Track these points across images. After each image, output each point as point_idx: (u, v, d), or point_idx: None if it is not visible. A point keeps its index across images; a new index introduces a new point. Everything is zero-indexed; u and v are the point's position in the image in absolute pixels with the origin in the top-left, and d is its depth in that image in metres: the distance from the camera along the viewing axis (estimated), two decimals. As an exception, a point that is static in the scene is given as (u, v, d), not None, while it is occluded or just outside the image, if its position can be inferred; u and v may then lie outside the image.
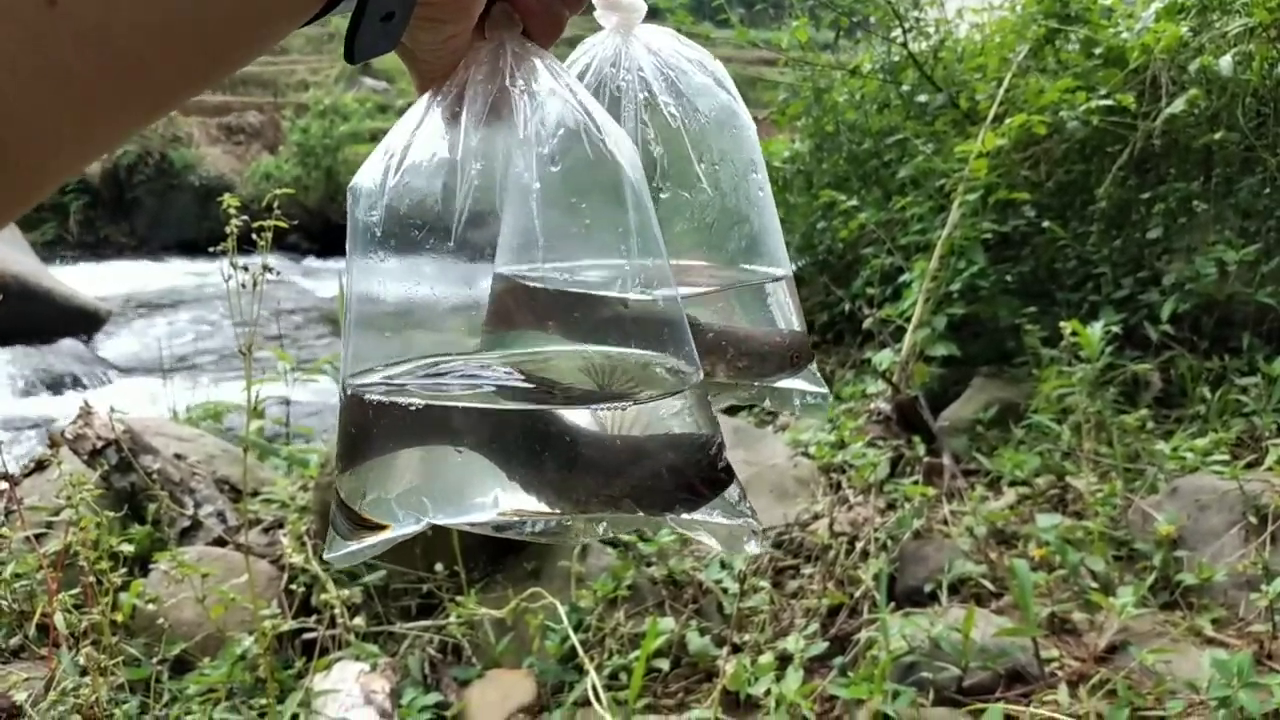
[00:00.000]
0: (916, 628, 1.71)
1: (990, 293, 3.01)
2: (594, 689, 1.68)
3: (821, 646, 1.79)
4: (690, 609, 2.05)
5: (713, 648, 1.87)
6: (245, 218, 1.31)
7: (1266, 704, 1.46)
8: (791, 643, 1.68)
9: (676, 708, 1.86)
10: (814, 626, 1.85)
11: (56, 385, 6.51)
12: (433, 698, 1.80)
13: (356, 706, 1.54)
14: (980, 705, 1.58)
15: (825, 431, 2.62)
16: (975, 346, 3.08)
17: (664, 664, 1.92)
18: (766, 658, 1.61)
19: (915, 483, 2.35)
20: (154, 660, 1.83)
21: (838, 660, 1.82)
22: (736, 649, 1.79)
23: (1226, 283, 2.88)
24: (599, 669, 1.81)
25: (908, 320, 2.90)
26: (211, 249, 1.33)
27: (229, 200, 1.29)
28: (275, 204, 1.29)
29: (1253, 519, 1.99)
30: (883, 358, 2.84)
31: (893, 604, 1.94)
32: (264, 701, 1.63)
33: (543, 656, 1.90)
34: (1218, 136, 2.98)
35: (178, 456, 2.85)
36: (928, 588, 1.99)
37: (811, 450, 2.53)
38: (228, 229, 1.26)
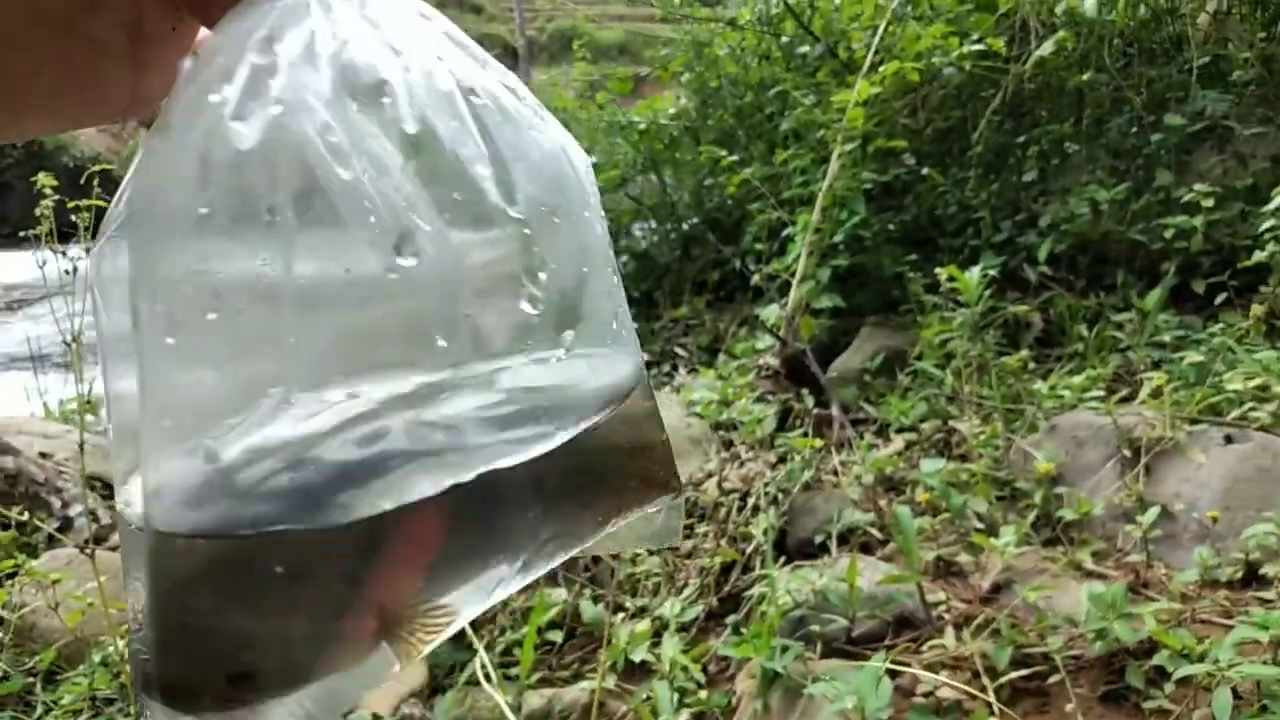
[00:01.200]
0: (803, 581, 1.71)
1: (874, 242, 3.03)
2: (484, 667, 1.64)
3: (698, 609, 1.78)
4: (584, 577, 2.02)
5: (607, 615, 1.84)
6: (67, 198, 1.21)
7: (1139, 633, 1.50)
8: (668, 607, 1.66)
9: (571, 679, 1.84)
10: (697, 586, 1.84)
11: (-81, 385, 6.14)
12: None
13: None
14: (866, 654, 1.59)
15: (715, 390, 2.61)
16: (861, 297, 3.10)
17: (558, 636, 1.89)
18: (644, 624, 1.59)
19: (804, 435, 2.35)
20: (24, 670, 1.74)
21: (731, 618, 1.81)
22: (631, 615, 1.77)
23: (1100, 222, 2.95)
24: (489, 647, 1.77)
25: (793, 274, 2.90)
26: (24, 233, 1.23)
27: (43, 180, 1.19)
28: (95, 181, 1.19)
29: (1127, 452, 2.04)
30: (770, 312, 2.84)
31: (784, 558, 1.95)
32: (134, 709, 1.55)
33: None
34: (1086, 78, 3.03)
35: (43, 455, 2.70)
36: (818, 539, 1.99)
37: (700, 410, 2.52)
38: (38, 211, 1.16)
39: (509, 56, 10.58)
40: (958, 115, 3.28)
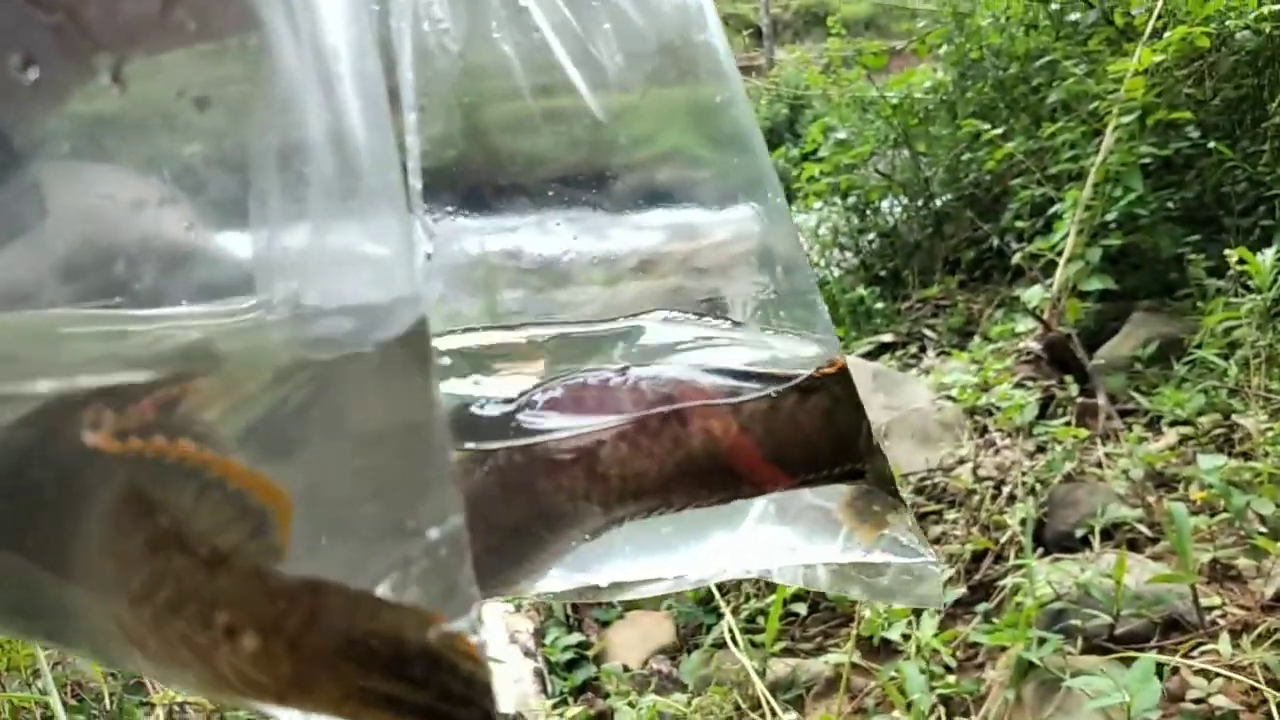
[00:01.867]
0: (1065, 574, 1.66)
1: (1150, 221, 2.83)
2: (730, 632, 1.71)
3: (958, 592, 1.76)
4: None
5: (854, 592, 1.86)
6: None
7: None
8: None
9: (814, 651, 1.87)
10: (952, 572, 1.82)
11: None
12: (575, 638, 1.87)
13: (501, 646, 1.61)
14: (1129, 654, 1.53)
15: (970, 374, 2.54)
16: (1133, 280, 2.91)
17: (801, 609, 1.93)
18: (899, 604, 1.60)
19: (1067, 424, 2.26)
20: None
21: (981, 607, 1.79)
22: (876, 595, 1.78)
23: None
24: (735, 612, 1.84)
25: (1059, 254, 2.76)
26: None
27: None
28: None
29: None
30: (1033, 294, 2.73)
31: (1041, 550, 1.89)
32: None
33: (681, 599, 1.94)
34: None
35: None
36: (1078, 533, 1.92)
37: (955, 393, 2.47)
38: None
39: (754, 35, 10.56)
40: (1251, 83, 2.99)
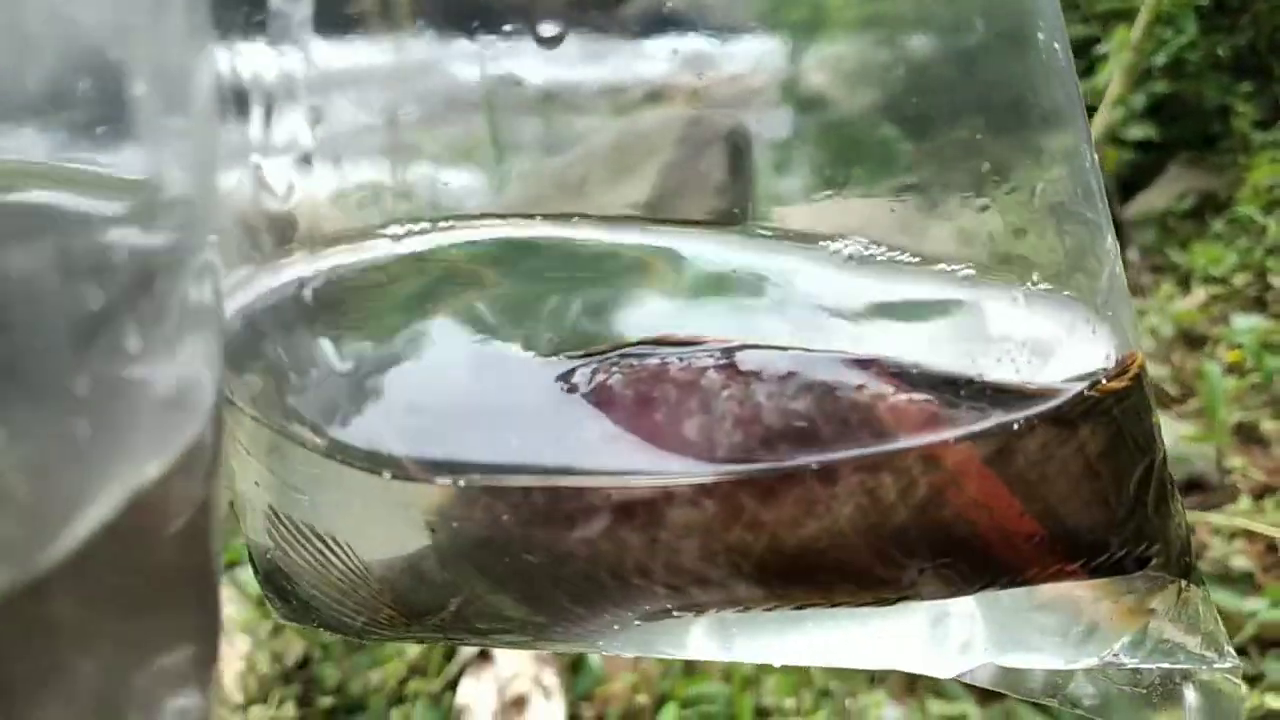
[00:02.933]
0: (1089, 431, 1.63)
1: (1198, 68, 2.69)
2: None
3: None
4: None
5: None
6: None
7: None
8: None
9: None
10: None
11: None
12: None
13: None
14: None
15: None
16: (1174, 130, 2.79)
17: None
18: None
19: (1095, 278, 2.20)
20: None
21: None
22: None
23: None
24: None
25: (1100, 98, 2.63)
26: None
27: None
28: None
29: None
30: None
31: (1062, 404, 1.86)
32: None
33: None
34: None
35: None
36: (1101, 389, 1.89)
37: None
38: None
39: None
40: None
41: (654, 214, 0.23)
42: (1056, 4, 0.22)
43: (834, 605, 0.21)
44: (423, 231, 0.23)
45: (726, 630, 0.22)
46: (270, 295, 0.21)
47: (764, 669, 1.29)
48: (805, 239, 0.21)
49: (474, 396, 0.21)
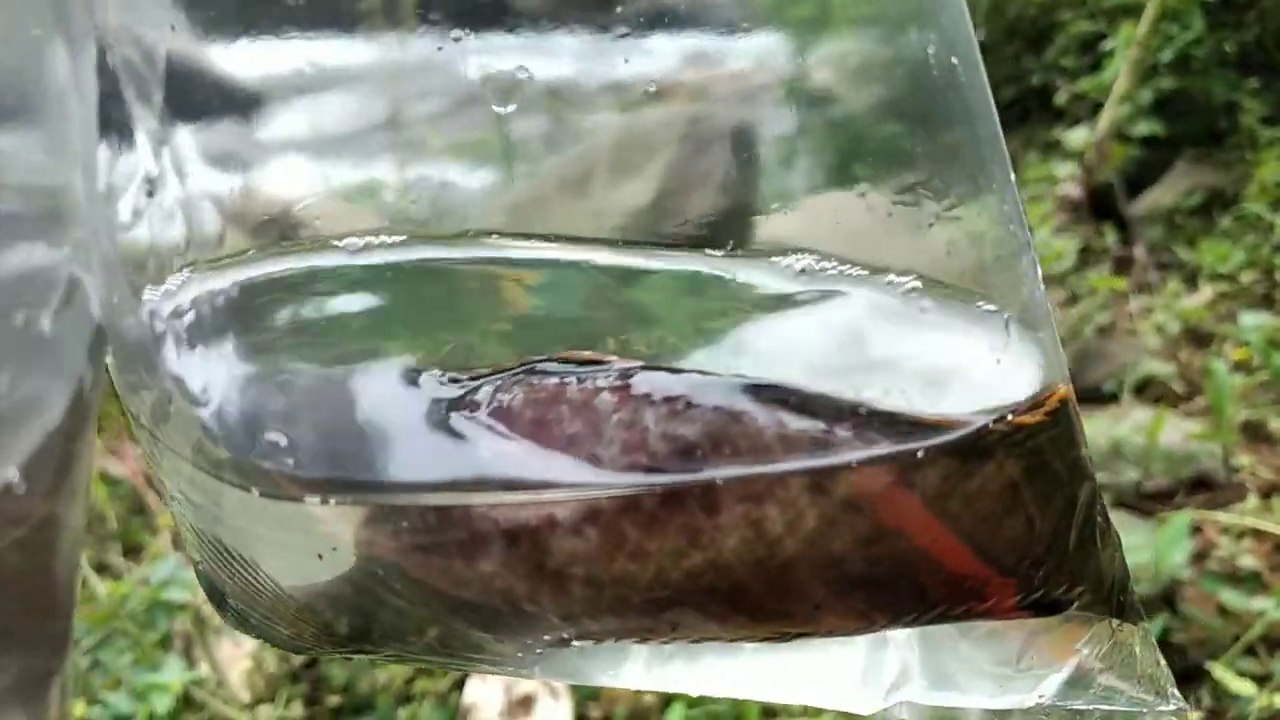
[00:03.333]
0: (1096, 428, 1.62)
1: (1204, 64, 2.68)
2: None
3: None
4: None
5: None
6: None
7: None
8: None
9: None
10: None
11: None
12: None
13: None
14: (1155, 511, 1.51)
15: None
16: (1180, 126, 2.78)
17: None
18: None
19: (1101, 275, 2.19)
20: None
21: (1005, 457, 1.76)
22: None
23: None
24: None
25: (1106, 94, 2.62)
26: None
27: None
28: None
29: None
30: (1076, 136, 2.61)
31: (1069, 402, 1.86)
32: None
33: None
34: None
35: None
36: (1107, 387, 1.88)
37: (989, 238, 2.38)
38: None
39: None
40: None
41: (658, 214, 0.23)
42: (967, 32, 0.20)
43: (732, 640, 0.20)
44: (311, 250, 0.21)
45: (658, 659, 0.22)
46: (159, 316, 0.20)
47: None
48: (759, 254, 0.20)
49: (360, 414, 0.20)
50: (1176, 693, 0.21)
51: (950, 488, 0.18)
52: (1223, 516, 1.49)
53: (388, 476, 0.19)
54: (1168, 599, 1.32)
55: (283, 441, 0.19)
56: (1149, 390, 1.88)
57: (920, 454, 0.17)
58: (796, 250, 0.19)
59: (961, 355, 0.19)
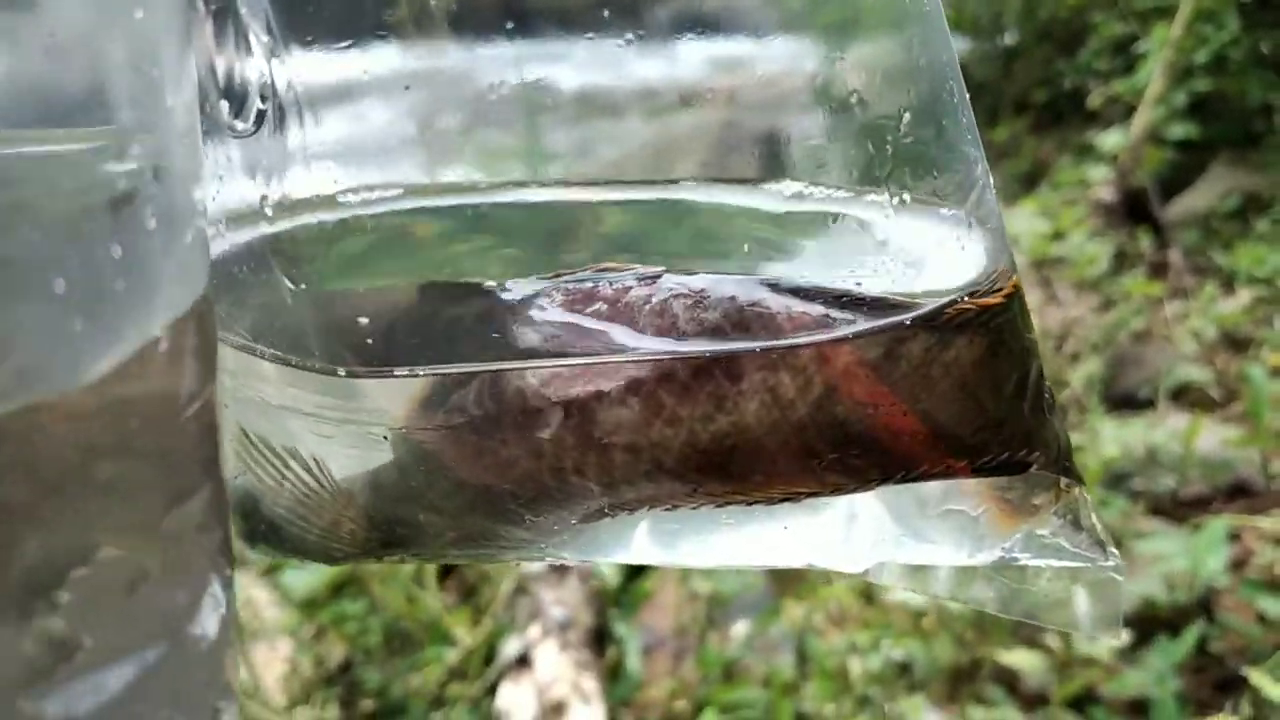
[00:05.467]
0: (1131, 434, 1.61)
1: (1240, 65, 2.65)
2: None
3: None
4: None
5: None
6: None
7: None
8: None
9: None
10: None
11: None
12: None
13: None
14: (1190, 517, 1.50)
15: (1040, 223, 2.43)
16: (1215, 128, 2.75)
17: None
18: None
19: (1136, 280, 2.17)
20: None
21: (1039, 463, 1.75)
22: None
23: None
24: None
25: (1140, 97, 2.60)
26: None
27: None
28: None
29: None
30: (1109, 140, 2.58)
31: (1103, 409, 1.84)
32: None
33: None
34: None
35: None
36: (1143, 393, 1.86)
37: (1025, 243, 2.37)
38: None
39: None
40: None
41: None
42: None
43: (751, 502, 0.22)
44: (380, 200, 0.24)
45: (666, 532, 0.24)
46: (247, 242, 0.23)
47: (803, 675, 1.29)
48: (750, 183, 0.24)
49: (430, 312, 0.23)
50: (1115, 551, 0.24)
51: (930, 358, 0.21)
52: (1261, 523, 1.47)
53: (458, 358, 0.22)
54: (1205, 606, 1.31)
55: (371, 332, 0.22)
56: (1185, 396, 1.86)
57: (903, 328, 0.21)
58: (784, 178, 0.23)
59: (931, 244, 0.22)
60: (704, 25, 0.24)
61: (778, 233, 0.23)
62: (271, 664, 1.44)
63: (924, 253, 0.23)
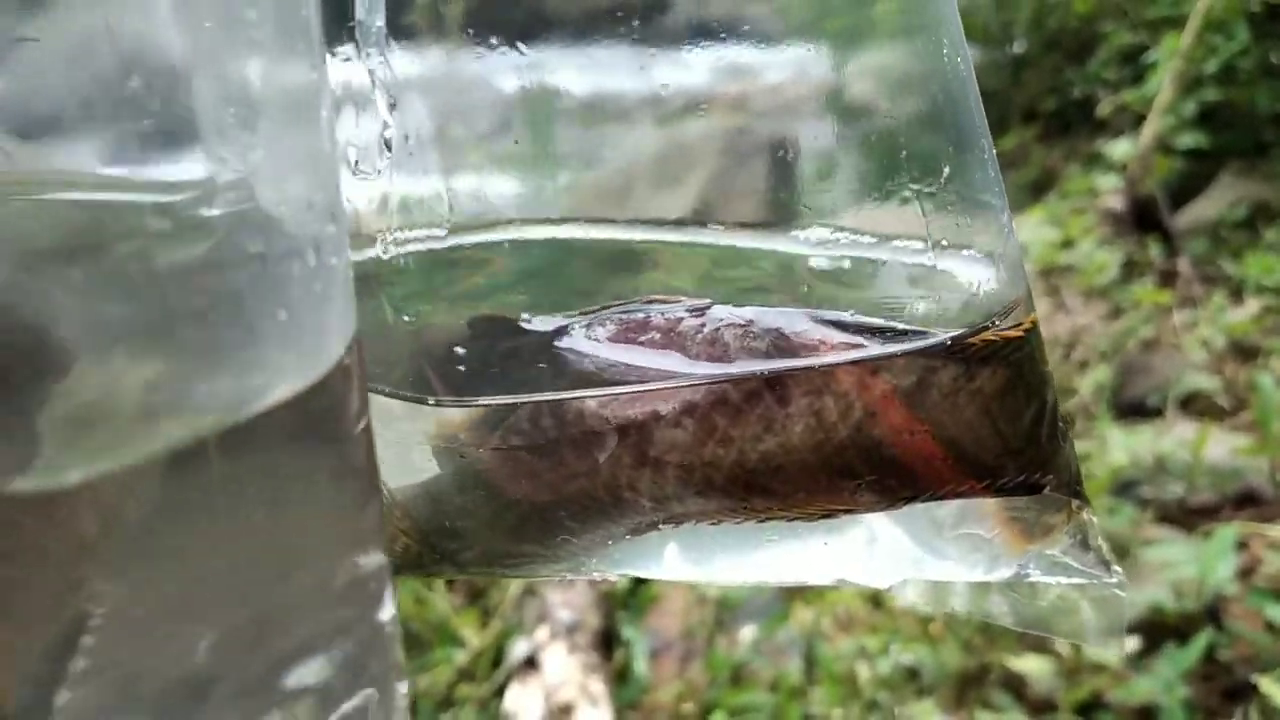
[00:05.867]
0: (1139, 442, 1.61)
1: (1250, 75, 2.65)
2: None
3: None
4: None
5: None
6: None
7: None
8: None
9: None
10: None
11: None
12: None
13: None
14: (1198, 525, 1.50)
15: (1048, 231, 2.44)
16: (1225, 138, 2.75)
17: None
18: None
19: (1145, 288, 2.17)
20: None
21: (1047, 471, 1.75)
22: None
23: None
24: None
25: (1149, 106, 2.60)
26: None
27: None
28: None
29: None
30: (1119, 149, 2.59)
31: (1110, 416, 1.84)
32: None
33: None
34: None
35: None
36: (1151, 401, 1.86)
37: (1033, 251, 2.37)
38: None
39: None
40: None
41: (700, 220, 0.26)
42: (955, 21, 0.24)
43: (791, 519, 0.24)
44: (459, 231, 0.25)
45: (700, 547, 0.26)
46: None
47: (810, 679, 1.29)
48: (777, 228, 0.25)
49: (498, 346, 0.24)
50: (1118, 569, 0.26)
51: (957, 388, 0.23)
52: (1270, 531, 1.47)
53: (524, 387, 0.23)
54: (1213, 614, 1.31)
55: (459, 364, 0.24)
56: (1194, 404, 1.86)
57: (935, 358, 0.22)
58: (810, 224, 0.24)
59: (959, 282, 0.24)
60: (713, 32, 0.26)
61: (812, 271, 0.25)
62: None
63: (951, 290, 0.24)
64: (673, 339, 0.23)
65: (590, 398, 0.23)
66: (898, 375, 0.22)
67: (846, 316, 0.23)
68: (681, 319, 0.23)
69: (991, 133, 0.24)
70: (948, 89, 0.25)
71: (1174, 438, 1.64)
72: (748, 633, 1.43)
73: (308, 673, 0.16)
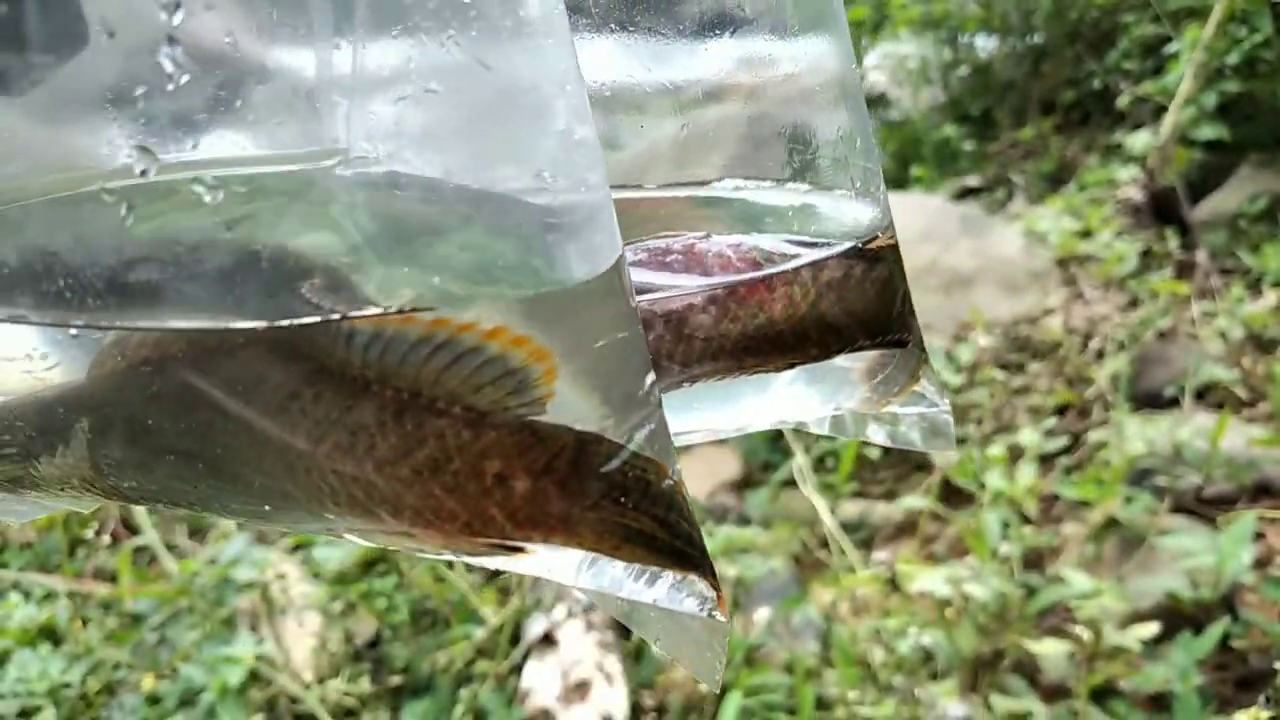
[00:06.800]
0: (1156, 431, 1.61)
1: (1271, 67, 2.63)
2: (799, 470, 1.70)
3: (1059, 442, 1.73)
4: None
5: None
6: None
7: None
8: (1025, 436, 1.63)
9: (884, 495, 1.87)
10: (1047, 423, 1.78)
11: None
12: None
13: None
14: (1214, 515, 1.50)
15: (1067, 221, 2.43)
16: (1245, 130, 2.73)
17: (875, 453, 1.92)
18: (996, 449, 1.57)
19: (1163, 279, 2.17)
20: None
21: (1062, 460, 1.75)
22: (960, 441, 1.75)
23: None
24: (806, 450, 1.83)
25: (1170, 98, 2.59)
26: None
27: None
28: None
29: None
30: (1138, 140, 2.58)
31: (1127, 406, 1.84)
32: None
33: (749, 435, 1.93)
34: None
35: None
36: (1168, 391, 1.86)
37: (1053, 239, 2.36)
38: None
39: None
40: None
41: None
42: None
43: (766, 372, 0.33)
44: None
45: (703, 400, 0.34)
46: None
47: (825, 661, 1.30)
48: (694, 185, 0.36)
49: None
50: (945, 403, 0.36)
51: (864, 274, 0.33)
52: (1270, 525, 1.47)
53: None
54: (1228, 604, 1.31)
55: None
56: (1211, 395, 1.86)
57: (853, 255, 0.33)
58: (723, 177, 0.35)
59: (851, 217, 0.35)
60: (728, 23, 0.33)
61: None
62: (299, 639, 1.46)
63: (851, 218, 0.35)
64: (691, 256, 0.32)
65: (645, 298, 0.31)
66: (832, 270, 0.33)
67: (803, 238, 0.34)
68: (693, 244, 0.33)
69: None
70: (849, 79, 0.34)
71: (1191, 427, 1.64)
72: (763, 614, 1.44)
73: None
